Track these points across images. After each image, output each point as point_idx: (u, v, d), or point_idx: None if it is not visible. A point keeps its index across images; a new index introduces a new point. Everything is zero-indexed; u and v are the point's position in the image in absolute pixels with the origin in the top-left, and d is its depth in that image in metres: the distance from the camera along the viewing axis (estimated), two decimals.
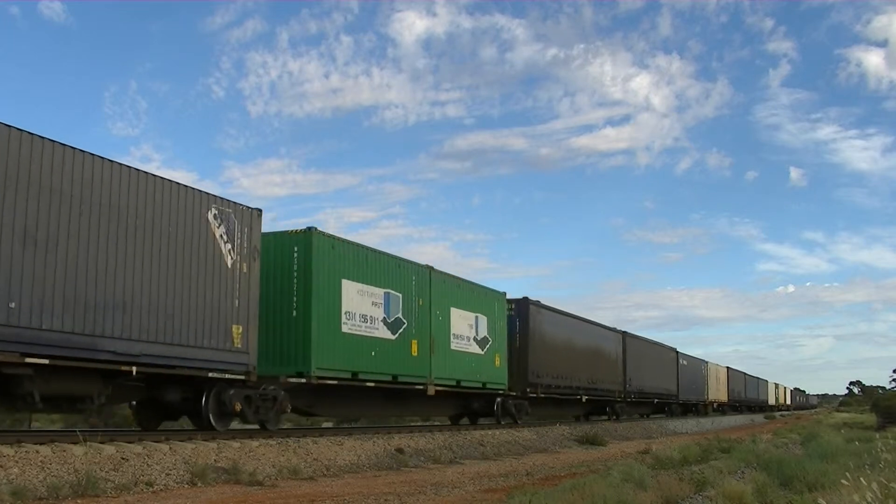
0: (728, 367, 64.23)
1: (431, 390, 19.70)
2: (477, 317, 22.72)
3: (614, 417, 35.30)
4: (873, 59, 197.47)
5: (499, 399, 24.08)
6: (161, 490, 10.23)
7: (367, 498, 10.03)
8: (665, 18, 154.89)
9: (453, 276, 21.90)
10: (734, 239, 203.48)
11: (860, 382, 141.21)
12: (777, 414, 77.70)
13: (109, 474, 10.09)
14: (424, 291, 19.87)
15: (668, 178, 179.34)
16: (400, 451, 15.92)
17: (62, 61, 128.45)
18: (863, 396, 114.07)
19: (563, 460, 17.91)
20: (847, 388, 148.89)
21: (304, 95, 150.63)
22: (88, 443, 10.74)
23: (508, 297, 25.63)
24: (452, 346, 21.15)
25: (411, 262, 19.66)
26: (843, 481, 6.48)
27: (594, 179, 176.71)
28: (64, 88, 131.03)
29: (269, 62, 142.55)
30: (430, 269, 20.34)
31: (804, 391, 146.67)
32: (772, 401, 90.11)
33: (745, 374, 73.87)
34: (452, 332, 21.16)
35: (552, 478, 13.20)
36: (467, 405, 23.95)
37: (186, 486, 10.67)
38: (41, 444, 10.37)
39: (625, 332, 37.45)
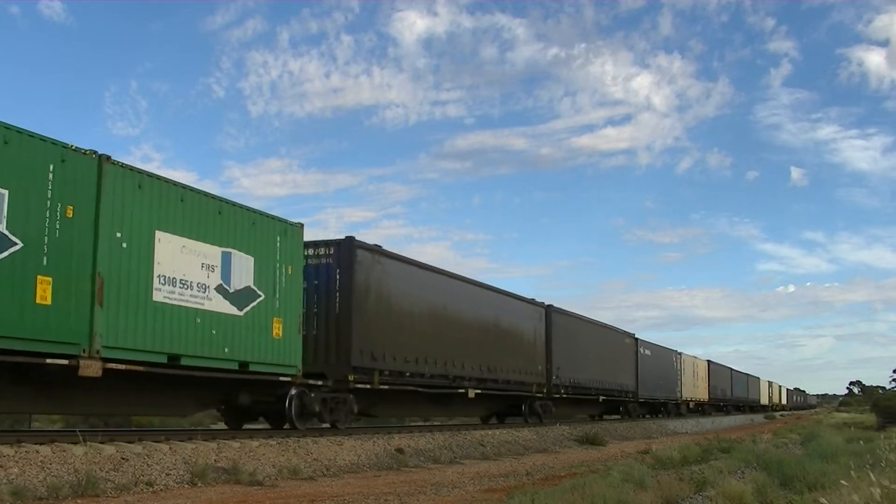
0: (709, 361, 56.32)
1: (92, 368, 11.23)
2: (228, 255, 14.06)
3: (535, 420, 26.66)
4: (874, 59, 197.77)
5: (293, 391, 15.59)
6: (161, 490, 10.24)
7: (367, 498, 10.04)
8: (666, 18, 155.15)
9: (169, 182, 13.08)
10: (734, 239, 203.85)
11: (860, 382, 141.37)
12: (777, 414, 76.53)
13: (109, 474, 10.09)
14: (81, 195, 11.38)
15: (668, 177, 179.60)
16: (400, 451, 15.93)
17: (62, 61, 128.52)
18: (863, 396, 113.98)
19: (563, 460, 17.92)
20: (847, 388, 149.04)
21: (304, 95, 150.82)
22: (88, 443, 10.73)
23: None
24: (159, 297, 12.47)
25: (46, 140, 11.00)
26: (843, 482, 6.47)
27: (595, 179, 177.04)
28: (64, 88, 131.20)
29: (270, 62, 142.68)
30: (104, 158, 11.79)
31: (804, 391, 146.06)
32: (764, 400, 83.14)
33: (731, 369, 66.21)
34: (159, 272, 12.50)
35: (552, 478, 13.20)
36: (228, 399, 15.39)
37: (186, 486, 10.67)
38: (41, 444, 10.37)
39: (549, 306, 28.25)
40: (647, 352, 40.75)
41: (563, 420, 29.11)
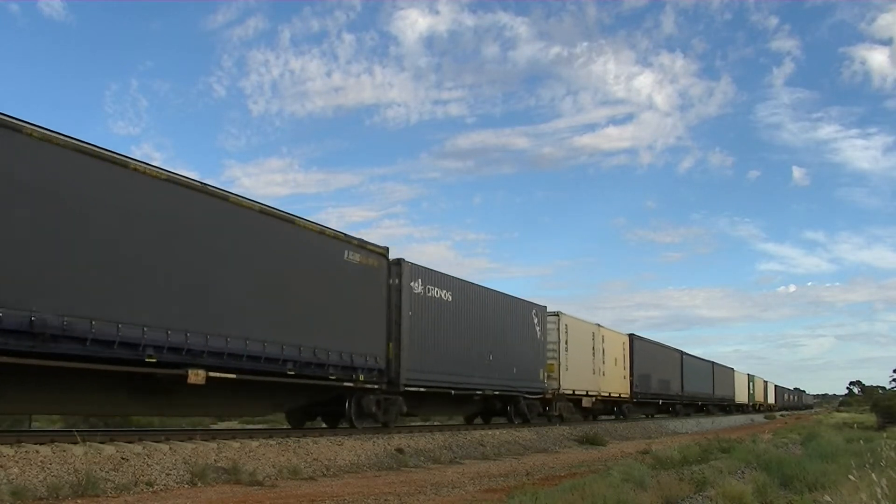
0: (632, 336, 37.68)
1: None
2: None
3: None
4: (877, 58, 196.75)
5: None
6: (161, 490, 10.23)
7: (367, 498, 10.03)
8: (668, 16, 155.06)
9: None
10: (735, 238, 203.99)
11: (860, 382, 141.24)
12: (777, 414, 74.56)
13: (109, 474, 10.09)
14: None
15: (670, 177, 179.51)
16: (400, 451, 15.92)
17: (62, 59, 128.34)
18: (863, 396, 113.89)
19: (563, 460, 17.92)
20: (847, 388, 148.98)
21: (305, 94, 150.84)
22: (88, 443, 10.74)
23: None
24: None
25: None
26: (851, 477, 6.48)
27: (596, 179, 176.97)
28: (64, 87, 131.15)
29: (271, 60, 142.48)
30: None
31: (801, 390, 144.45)
32: (741, 398, 67.89)
33: (682, 353, 47.21)
34: None
35: (552, 478, 13.20)
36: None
37: (186, 486, 10.67)
38: (41, 444, 10.37)
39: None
40: (438, 293, 20.24)
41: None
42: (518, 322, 25.34)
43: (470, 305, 22.14)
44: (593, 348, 32.12)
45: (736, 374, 66.43)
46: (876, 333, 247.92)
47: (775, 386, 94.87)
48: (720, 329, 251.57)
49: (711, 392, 55.51)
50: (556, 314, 28.57)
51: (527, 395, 25.84)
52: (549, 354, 27.45)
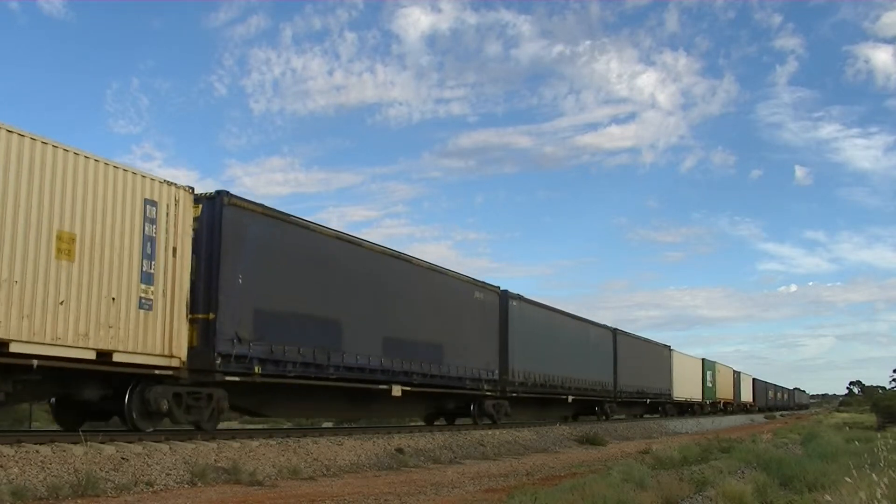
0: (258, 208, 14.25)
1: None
2: None
3: None
4: (881, 56, 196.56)
5: None
6: (161, 490, 10.23)
7: (367, 498, 10.04)
8: (672, 15, 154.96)
9: None
10: (736, 238, 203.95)
11: (860, 382, 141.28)
12: (777, 414, 73.40)
13: (109, 474, 10.09)
14: None
15: (671, 176, 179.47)
16: (400, 451, 15.93)
17: (63, 58, 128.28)
18: (863, 396, 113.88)
19: (563, 460, 17.93)
20: (847, 388, 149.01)
21: (307, 93, 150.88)
22: (88, 443, 10.74)
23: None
24: None
25: None
26: (847, 479, 6.49)
27: (598, 178, 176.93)
28: (65, 86, 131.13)
29: (273, 59, 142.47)
30: None
31: (803, 390, 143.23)
32: (688, 393, 47.33)
33: (556, 310, 28.90)
34: None
35: (552, 478, 13.21)
36: None
37: (186, 486, 10.67)
38: (41, 444, 10.36)
39: None
40: None
41: None
42: None
43: None
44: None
45: (676, 355, 45.66)
46: (876, 333, 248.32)
47: (754, 380, 74.37)
48: (721, 329, 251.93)
49: (612, 380, 34.52)
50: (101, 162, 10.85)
51: None
52: None
